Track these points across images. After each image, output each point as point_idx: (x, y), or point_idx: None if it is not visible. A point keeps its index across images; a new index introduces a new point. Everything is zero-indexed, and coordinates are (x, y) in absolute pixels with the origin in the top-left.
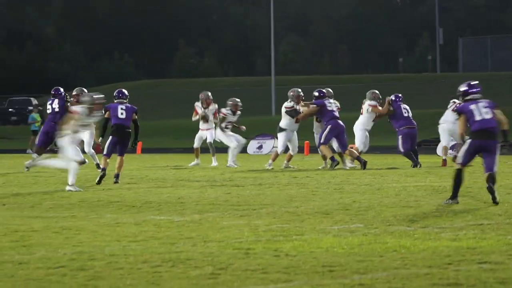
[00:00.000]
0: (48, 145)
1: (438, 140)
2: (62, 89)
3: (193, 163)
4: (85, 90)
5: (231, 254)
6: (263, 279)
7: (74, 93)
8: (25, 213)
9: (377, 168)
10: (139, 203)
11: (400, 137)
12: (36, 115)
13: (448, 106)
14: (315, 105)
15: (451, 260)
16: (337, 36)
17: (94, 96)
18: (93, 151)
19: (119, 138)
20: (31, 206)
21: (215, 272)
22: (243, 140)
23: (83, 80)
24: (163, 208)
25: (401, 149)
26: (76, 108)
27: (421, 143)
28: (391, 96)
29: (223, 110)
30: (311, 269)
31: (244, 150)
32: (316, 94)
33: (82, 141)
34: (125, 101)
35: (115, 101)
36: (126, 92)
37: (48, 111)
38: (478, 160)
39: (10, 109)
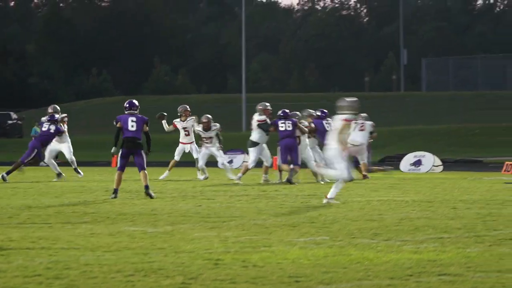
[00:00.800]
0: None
1: (402, 156)
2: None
3: (163, 176)
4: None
5: (201, 264)
6: None
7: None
8: (3, 223)
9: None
10: (113, 214)
11: None
12: (37, 129)
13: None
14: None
15: (412, 272)
16: (305, 55)
17: (347, 100)
18: (73, 158)
19: (129, 150)
20: (9, 216)
21: (186, 282)
22: (222, 159)
23: (62, 95)
24: (137, 219)
25: None
26: (345, 116)
27: (385, 158)
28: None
29: (196, 127)
30: (278, 279)
31: (214, 164)
32: (278, 113)
33: (56, 153)
34: (135, 112)
35: (126, 112)
36: (136, 102)
37: (44, 129)
38: (437, 176)
39: None
